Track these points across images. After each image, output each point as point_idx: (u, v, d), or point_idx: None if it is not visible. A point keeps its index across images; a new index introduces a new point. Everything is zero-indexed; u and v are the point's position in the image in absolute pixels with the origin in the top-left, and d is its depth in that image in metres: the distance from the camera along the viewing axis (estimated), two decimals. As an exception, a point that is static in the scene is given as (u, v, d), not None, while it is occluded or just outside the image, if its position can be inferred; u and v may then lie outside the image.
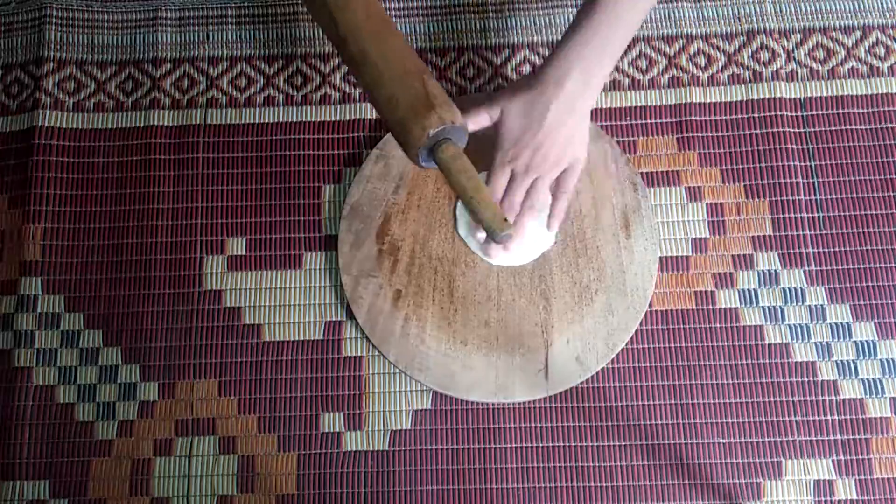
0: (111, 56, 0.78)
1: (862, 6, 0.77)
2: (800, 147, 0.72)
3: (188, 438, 0.67)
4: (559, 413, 0.67)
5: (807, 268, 0.69)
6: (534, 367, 0.66)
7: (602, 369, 0.67)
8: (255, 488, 0.66)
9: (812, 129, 0.73)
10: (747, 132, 0.73)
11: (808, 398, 0.66)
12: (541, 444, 0.66)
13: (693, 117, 0.73)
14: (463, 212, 0.70)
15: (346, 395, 0.68)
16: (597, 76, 0.61)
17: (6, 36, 0.79)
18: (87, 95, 0.76)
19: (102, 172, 0.74)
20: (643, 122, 0.74)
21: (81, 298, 0.70)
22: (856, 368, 0.67)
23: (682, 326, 0.68)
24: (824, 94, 0.74)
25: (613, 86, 0.75)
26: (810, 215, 0.71)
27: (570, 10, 0.78)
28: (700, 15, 0.77)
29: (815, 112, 0.73)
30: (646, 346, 0.68)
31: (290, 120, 0.75)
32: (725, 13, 0.77)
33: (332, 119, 0.75)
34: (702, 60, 0.76)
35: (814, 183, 0.71)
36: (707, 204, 0.71)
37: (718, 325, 0.68)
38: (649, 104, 0.74)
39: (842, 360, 0.67)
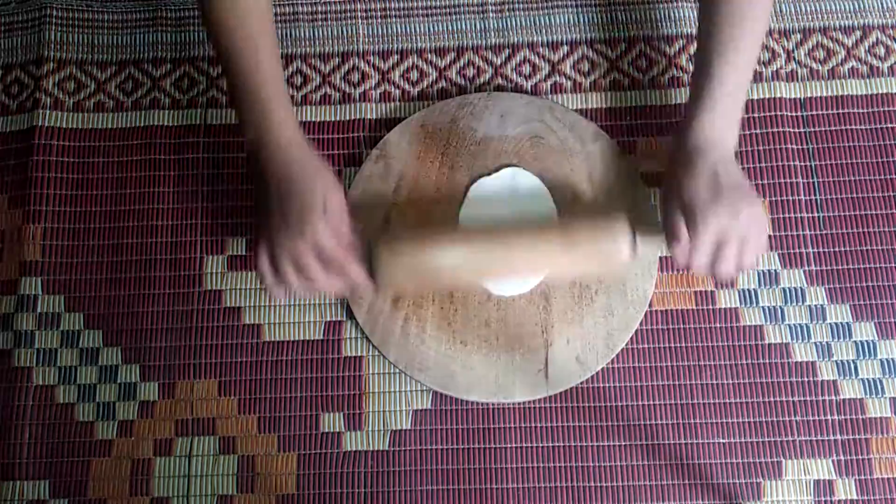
0: (111, 56, 0.78)
1: (862, 6, 0.77)
2: (800, 147, 0.72)
3: (188, 438, 0.67)
4: (559, 413, 0.67)
5: (807, 268, 0.69)
6: (534, 367, 0.66)
7: (602, 369, 0.67)
8: (255, 488, 0.66)
9: (812, 129, 0.73)
10: (747, 132, 0.73)
11: (808, 398, 0.66)
12: (541, 444, 0.66)
13: (693, 117, 0.73)
14: (467, 213, 0.69)
15: (346, 395, 0.68)
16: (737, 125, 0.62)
17: (6, 36, 0.79)
18: (87, 95, 0.76)
19: (102, 172, 0.74)
20: (643, 122, 0.74)
21: (81, 298, 0.70)
22: (856, 368, 0.67)
23: (682, 326, 0.68)
24: (824, 94, 0.74)
25: (613, 86, 0.75)
26: (810, 215, 0.71)
27: (570, 10, 0.78)
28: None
29: (815, 112, 0.73)
30: (646, 346, 0.68)
31: (290, 120, 0.75)
32: (725, 13, 0.77)
33: (332, 119, 0.75)
34: (702, 60, 0.76)
35: (814, 183, 0.71)
36: (707, 204, 0.71)
37: (718, 325, 0.68)
38: (649, 104, 0.74)
39: (842, 360, 0.67)
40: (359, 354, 0.69)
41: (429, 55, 0.77)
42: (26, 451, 0.67)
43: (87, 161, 0.74)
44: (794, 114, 0.73)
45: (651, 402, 0.67)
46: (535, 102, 0.73)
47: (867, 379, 0.67)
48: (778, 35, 0.76)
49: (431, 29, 0.78)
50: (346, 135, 0.74)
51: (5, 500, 0.66)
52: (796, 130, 0.73)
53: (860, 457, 0.65)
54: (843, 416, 0.66)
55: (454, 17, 0.78)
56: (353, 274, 0.58)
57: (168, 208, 0.73)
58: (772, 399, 0.66)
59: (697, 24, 0.64)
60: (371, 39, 0.77)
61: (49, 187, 0.73)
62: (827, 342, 0.68)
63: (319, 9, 0.78)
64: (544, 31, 0.77)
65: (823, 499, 0.64)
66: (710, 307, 0.69)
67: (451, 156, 0.72)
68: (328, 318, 0.69)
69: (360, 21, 0.78)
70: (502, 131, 0.72)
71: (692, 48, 0.76)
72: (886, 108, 0.73)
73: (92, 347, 0.69)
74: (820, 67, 0.75)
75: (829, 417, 0.66)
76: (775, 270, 0.69)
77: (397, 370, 0.68)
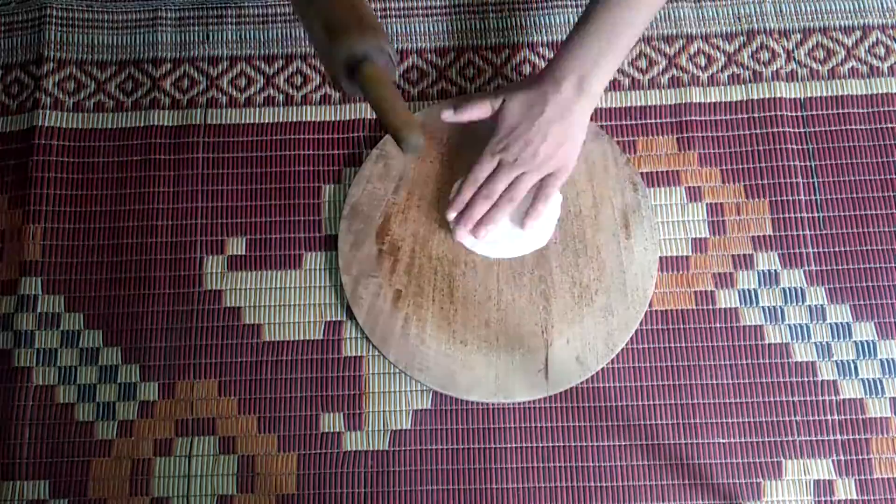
0: (111, 56, 0.78)
1: (862, 6, 0.77)
2: (800, 147, 0.72)
3: (188, 438, 0.67)
4: (559, 413, 0.67)
5: (807, 268, 0.69)
6: (534, 367, 0.66)
7: (602, 369, 0.67)
8: (255, 488, 0.66)
9: (812, 129, 0.73)
10: (747, 132, 0.73)
11: (808, 398, 0.66)
12: (541, 444, 0.66)
13: (693, 117, 0.74)
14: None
15: (346, 395, 0.68)
16: (594, 84, 0.62)
17: (6, 36, 0.79)
18: (87, 95, 0.76)
19: (102, 172, 0.74)
20: (643, 122, 0.74)
21: (81, 298, 0.70)
22: (856, 368, 0.67)
23: (682, 326, 0.68)
24: (824, 94, 0.74)
25: (613, 86, 0.75)
26: (810, 215, 0.71)
27: (570, 10, 0.78)
28: (700, 15, 0.77)
29: (815, 112, 0.73)
30: (646, 346, 0.68)
31: (290, 120, 0.75)
32: (725, 13, 0.77)
33: (332, 119, 0.75)
34: (702, 60, 0.76)
35: (814, 183, 0.71)
36: (707, 204, 0.71)
37: (718, 325, 0.68)
38: (649, 104, 0.74)
39: (842, 360, 0.67)
40: (359, 354, 0.69)
41: (429, 55, 0.77)
42: (26, 451, 0.67)
43: (86, 161, 0.74)
44: (794, 114, 0.73)
45: (651, 402, 0.67)
46: (535, 102, 0.73)
47: (867, 379, 0.67)
48: (778, 35, 0.76)
49: (431, 29, 0.78)
50: (346, 135, 0.74)
51: (5, 500, 0.66)
52: (796, 130, 0.73)
53: (860, 457, 0.65)
54: (843, 416, 0.66)
55: (454, 17, 0.78)
56: None
57: (168, 208, 0.73)
58: (772, 399, 0.66)
59: None
60: (371, 39, 0.77)
61: (49, 187, 0.73)
62: (827, 342, 0.68)
63: (319, 9, 0.78)
64: (544, 31, 0.77)
65: (823, 499, 0.64)
66: (710, 307, 0.69)
67: (451, 156, 0.72)
68: (328, 318, 0.69)
69: (360, 21, 0.78)
70: (502, 131, 0.72)
71: (692, 48, 0.76)
72: (886, 108, 0.73)
73: (92, 347, 0.69)
74: (820, 67, 0.75)
75: (829, 417, 0.66)
76: (775, 270, 0.69)
77: (397, 370, 0.68)
